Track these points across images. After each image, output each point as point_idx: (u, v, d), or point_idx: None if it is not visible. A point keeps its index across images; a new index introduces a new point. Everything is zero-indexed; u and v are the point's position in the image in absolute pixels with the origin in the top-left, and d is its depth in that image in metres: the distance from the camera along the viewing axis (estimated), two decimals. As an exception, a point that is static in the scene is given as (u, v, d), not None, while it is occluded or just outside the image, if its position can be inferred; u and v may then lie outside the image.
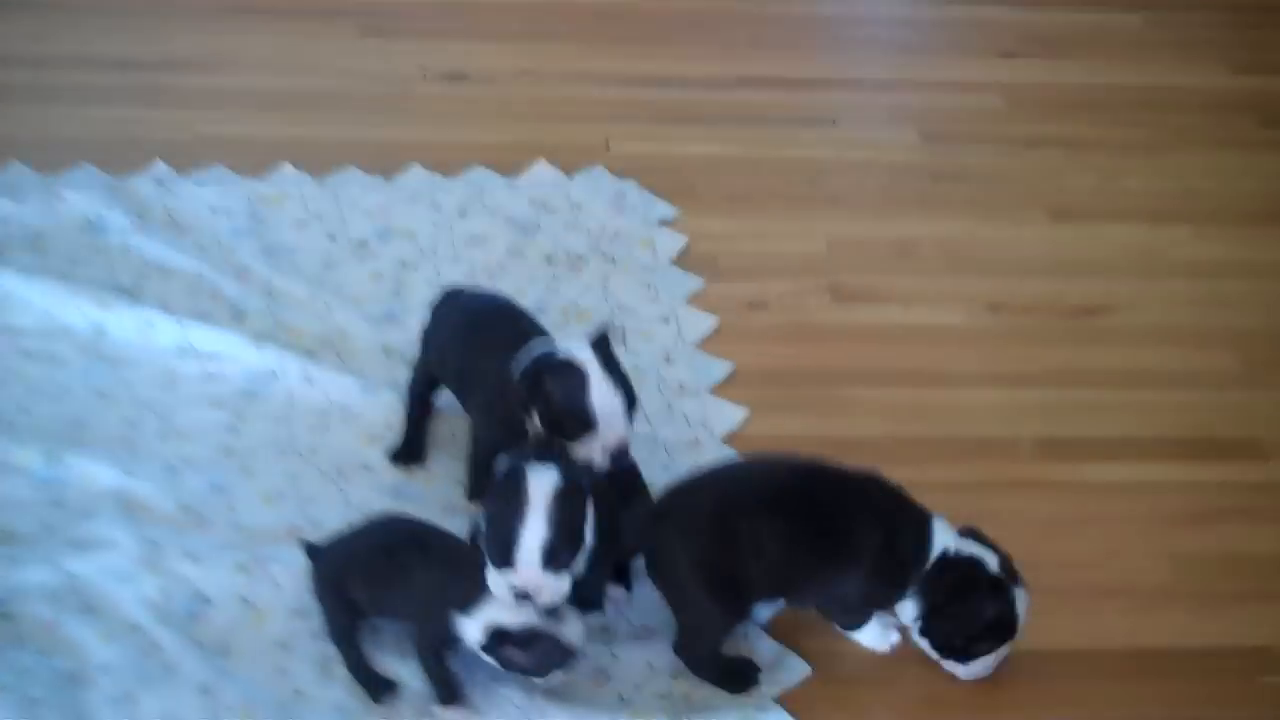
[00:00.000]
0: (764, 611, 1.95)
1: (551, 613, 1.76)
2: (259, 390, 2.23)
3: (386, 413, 2.20)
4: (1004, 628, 1.84)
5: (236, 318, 2.34)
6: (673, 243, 2.59)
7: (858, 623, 1.91)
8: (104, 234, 2.46)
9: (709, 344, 2.39)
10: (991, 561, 1.83)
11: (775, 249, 2.62)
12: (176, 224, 2.51)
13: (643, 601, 1.96)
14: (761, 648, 1.92)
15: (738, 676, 1.87)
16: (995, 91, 3.09)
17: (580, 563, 1.77)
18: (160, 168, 2.61)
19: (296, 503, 2.05)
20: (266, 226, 2.52)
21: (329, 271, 2.46)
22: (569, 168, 2.72)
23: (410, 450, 2.16)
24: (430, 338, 2.13)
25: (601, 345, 1.91)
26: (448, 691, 1.81)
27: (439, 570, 1.82)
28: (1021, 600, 1.83)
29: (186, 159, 2.63)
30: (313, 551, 1.90)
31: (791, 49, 3.20)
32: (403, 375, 2.20)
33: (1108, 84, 3.14)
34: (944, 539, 1.83)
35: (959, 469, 2.20)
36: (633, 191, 2.68)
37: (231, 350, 2.27)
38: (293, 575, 1.93)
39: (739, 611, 1.86)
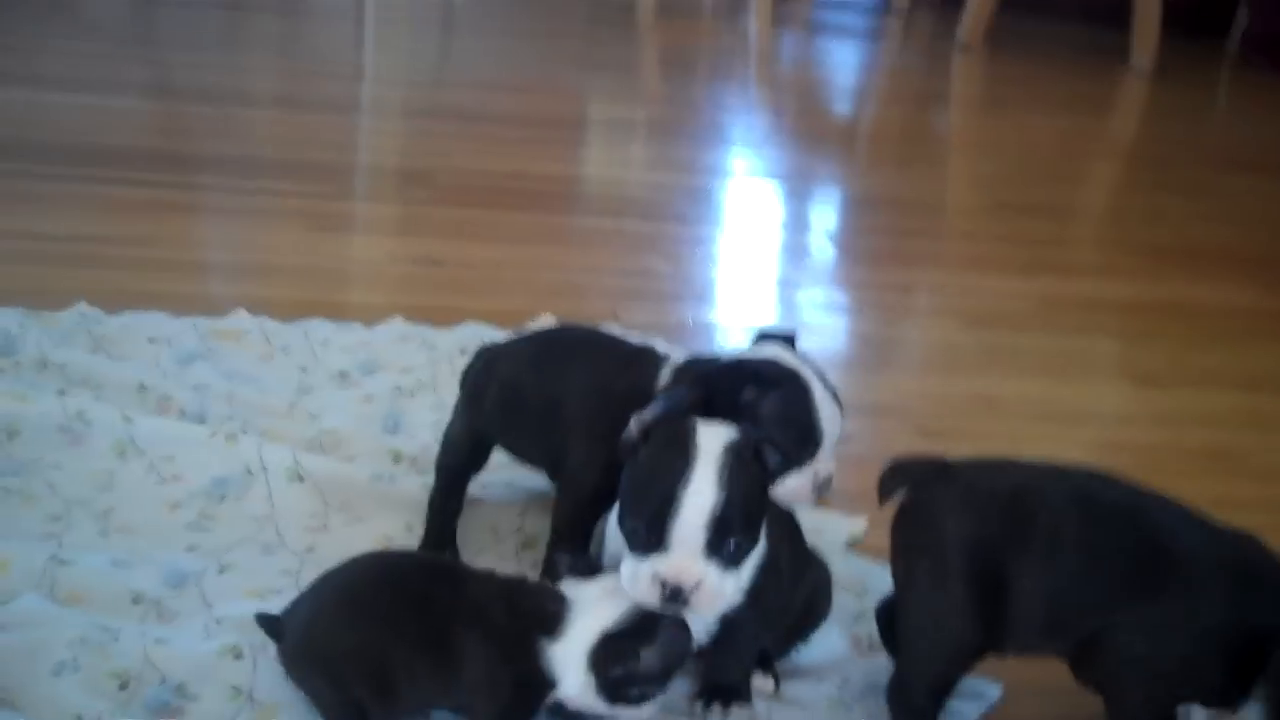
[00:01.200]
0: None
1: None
2: (230, 492, 1.64)
3: (407, 514, 1.64)
4: None
5: (195, 420, 1.78)
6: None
7: None
8: (14, 352, 1.89)
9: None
10: None
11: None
12: (106, 350, 1.96)
13: (800, 699, 1.40)
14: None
15: None
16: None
17: (748, 565, 1.23)
18: (83, 307, 2.06)
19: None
20: (221, 356, 1.99)
21: (306, 396, 1.92)
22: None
23: (439, 543, 1.59)
24: (479, 390, 1.58)
25: (792, 348, 1.44)
26: None
27: (487, 589, 1.25)
28: None
29: (115, 305, 2.10)
30: (272, 625, 1.28)
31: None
32: (419, 485, 1.66)
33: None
34: None
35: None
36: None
37: (190, 450, 1.68)
38: (308, 663, 1.31)
39: (987, 640, 1.30)
